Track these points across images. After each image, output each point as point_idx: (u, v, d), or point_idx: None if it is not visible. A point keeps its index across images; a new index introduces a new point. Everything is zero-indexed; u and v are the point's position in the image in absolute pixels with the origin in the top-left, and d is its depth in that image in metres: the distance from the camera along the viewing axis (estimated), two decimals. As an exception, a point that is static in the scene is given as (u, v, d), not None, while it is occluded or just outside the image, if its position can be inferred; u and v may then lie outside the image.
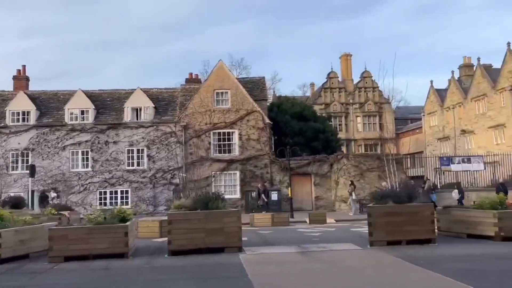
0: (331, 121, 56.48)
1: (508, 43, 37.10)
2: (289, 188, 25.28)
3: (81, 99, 29.31)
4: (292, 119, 33.12)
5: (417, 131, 54.91)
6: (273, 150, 29.80)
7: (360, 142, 56.79)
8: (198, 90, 29.38)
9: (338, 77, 57.19)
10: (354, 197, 24.60)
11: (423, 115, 51.75)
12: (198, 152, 28.37)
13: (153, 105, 29.49)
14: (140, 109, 29.47)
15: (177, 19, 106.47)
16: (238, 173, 28.43)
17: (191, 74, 34.12)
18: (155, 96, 30.72)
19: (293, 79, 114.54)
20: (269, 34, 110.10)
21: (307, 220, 20.07)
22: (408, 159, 45.66)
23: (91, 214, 10.88)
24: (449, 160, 28.40)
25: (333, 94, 56.93)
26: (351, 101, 56.90)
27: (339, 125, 56.66)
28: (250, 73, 57.86)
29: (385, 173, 27.71)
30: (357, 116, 57.25)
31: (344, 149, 55.91)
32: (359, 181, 27.16)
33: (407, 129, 59.37)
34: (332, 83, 56.99)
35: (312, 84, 67.73)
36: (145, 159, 28.58)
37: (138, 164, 28.66)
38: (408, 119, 63.29)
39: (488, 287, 6.82)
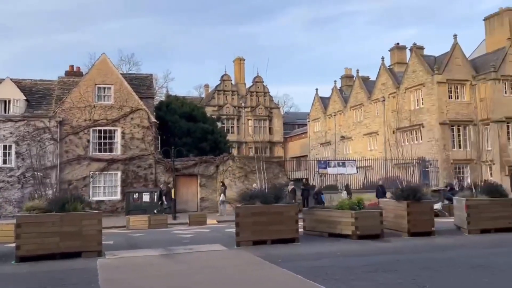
0: (224, 123, 57.20)
1: (382, 58, 40.86)
2: (173, 190, 24.74)
3: None
4: (181, 119, 32.59)
5: (303, 136, 57.81)
6: (159, 150, 28.96)
7: (251, 144, 58.08)
8: (77, 84, 27.42)
9: (231, 80, 57.90)
10: (222, 198, 24.93)
11: (308, 121, 54.64)
12: (75, 150, 26.45)
13: (25, 98, 26.85)
14: (9, 101, 26.63)
15: (69, 8, 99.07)
16: (119, 173, 27.08)
17: (72, 66, 31.78)
18: (28, 88, 28.02)
19: (190, 80, 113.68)
20: (167, 34, 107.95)
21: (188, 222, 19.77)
22: (294, 162, 47.75)
23: None
24: (326, 163, 30.27)
25: (226, 96, 57.48)
26: (243, 104, 57.95)
27: (231, 127, 57.43)
28: (140, 69, 55.98)
29: (268, 175, 28.87)
30: (248, 120, 58.46)
31: (235, 151, 56.83)
32: (243, 182, 27.58)
33: (294, 133, 62.18)
34: (226, 85, 57.53)
35: (207, 86, 67.76)
36: (13, 156, 25.87)
37: (4, 162, 25.83)
38: (296, 124, 66.37)
39: (332, 283, 7.19)
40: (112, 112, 27.26)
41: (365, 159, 33.79)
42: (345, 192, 25.51)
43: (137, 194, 25.98)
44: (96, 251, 9.90)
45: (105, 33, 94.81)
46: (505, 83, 33.31)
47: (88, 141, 26.78)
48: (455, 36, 34.82)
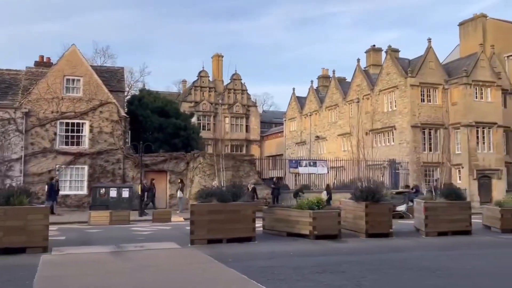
0: (200, 119, 56.75)
1: (358, 59, 41.10)
2: (140, 186, 24.31)
3: None
4: (153, 114, 32.09)
5: (279, 135, 57.82)
6: (129, 145, 28.46)
7: (227, 142, 57.76)
8: (45, 75, 26.68)
9: (209, 76, 57.49)
10: (180, 194, 24.66)
11: (285, 120, 54.66)
12: (41, 143, 25.74)
13: (-11, 87, 26.02)
14: (-28, 90, 25.77)
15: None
16: (86, 167, 26.48)
17: (41, 57, 30.89)
18: (-6, 77, 27.16)
19: (172, 75, 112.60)
20: (149, 28, 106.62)
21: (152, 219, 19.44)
22: (270, 161, 47.67)
23: None
24: (297, 163, 30.27)
25: (203, 93, 57.05)
26: (220, 101, 57.59)
27: (208, 124, 57.04)
28: (116, 63, 55.02)
29: (238, 173, 28.71)
30: (225, 117, 58.15)
31: (211, 148, 56.44)
32: (213, 179, 27.32)
33: (271, 132, 62.16)
34: (203, 82, 57.09)
35: (184, 81, 67.10)
36: (-25, 147, 25.01)
37: (-34, 153, 24.96)
38: (273, 123, 66.36)
39: (275, 284, 7.06)
40: (81, 105, 26.63)
41: (338, 160, 33.96)
42: (324, 192, 25.62)
43: (103, 189, 25.46)
44: (42, 247, 9.56)
45: (85, 25, 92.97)
46: (476, 88, 33.87)
47: (55, 133, 26.11)
48: (429, 40, 35.27)
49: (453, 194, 13.38)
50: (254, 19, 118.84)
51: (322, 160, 32.18)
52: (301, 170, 29.64)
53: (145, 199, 23.97)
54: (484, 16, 39.88)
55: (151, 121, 31.60)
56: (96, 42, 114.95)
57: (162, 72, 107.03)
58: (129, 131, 29.08)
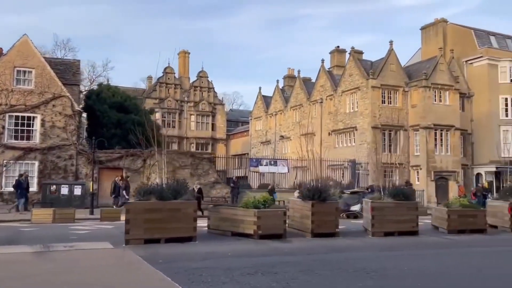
0: (165, 117, 55.75)
1: (322, 60, 41.24)
2: (91, 183, 23.44)
3: None
4: (111, 109, 31.11)
5: (245, 133, 57.50)
6: (83, 140, 27.51)
7: (192, 140, 57.03)
8: (-6, 65, 25.39)
9: (174, 73, 56.53)
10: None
11: (251, 119, 54.39)
12: (-13, 137, 24.49)
13: None
14: None
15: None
16: (37, 163, 25.36)
17: (-7, 47, 29.42)
18: None
19: (141, 72, 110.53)
20: (120, 23, 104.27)
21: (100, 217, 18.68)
22: (236, 160, 47.29)
23: None
24: (258, 161, 30.02)
25: (168, 89, 56.06)
26: (186, 98, 56.76)
27: (173, 121, 56.10)
28: (77, 56, 53.33)
29: (197, 171, 28.18)
30: (191, 115, 57.35)
31: (176, 146, 55.54)
32: (170, 177, 26.70)
33: (237, 131, 61.77)
34: (168, 78, 56.08)
35: (150, 77, 65.73)
36: None
37: None
38: (239, 122, 65.99)
39: (198, 286, 6.67)
40: (32, 98, 25.48)
41: (301, 159, 33.91)
42: (298, 191, 25.32)
43: (54, 186, 24.44)
44: (-43, 246, 8.83)
45: (53, 19, 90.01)
46: (435, 91, 34.50)
47: (3, 127, 24.88)
48: (391, 42, 35.71)
49: (401, 194, 13.33)
50: (227, 18, 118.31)
51: (283, 159, 32.03)
52: (261, 169, 29.40)
53: (125, 196, 22.97)
54: (445, 21, 40.78)
55: (108, 116, 30.63)
56: (57, 35, 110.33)
57: (132, 68, 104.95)
58: (86, 127, 28.14)
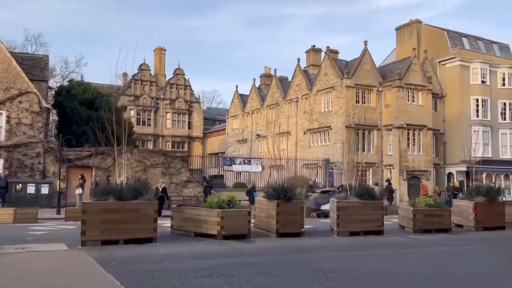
0: (140, 115, 54.93)
1: (298, 59, 41.25)
2: (58, 181, 22.81)
3: None
4: (82, 106, 30.38)
5: (222, 132, 57.17)
6: (52, 137, 26.81)
7: (168, 138, 56.38)
8: (-44, 60, 24.48)
9: (150, 70, 55.76)
10: (79, 191, 23.40)
11: (227, 118, 54.10)
12: (-51, 134, 23.59)
13: None
14: None
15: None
16: (1, 161, 24.53)
17: (-44, 40, 28.34)
18: None
19: (120, 69, 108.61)
20: (98, 19, 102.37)
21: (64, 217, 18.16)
22: (213, 159, 46.95)
23: None
24: (231, 160, 29.79)
25: (143, 87, 55.26)
26: (162, 96, 56.07)
27: (148, 119, 55.35)
28: (49, 51, 52.07)
29: (169, 170, 27.78)
30: (167, 112, 56.67)
31: (151, 144, 54.79)
32: (141, 176, 26.20)
33: (214, 129, 61.35)
34: (144, 75, 55.28)
35: (125, 74, 64.65)
36: None
37: None
38: (217, 120, 65.53)
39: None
40: (-3, 94, 24.66)
41: (277, 158, 33.86)
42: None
43: (20, 184, 23.76)
44: None
45: (24, 11, 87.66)
46: (408, 91, 34.86)
47: (-34, 124, 24.03)
48: (365, 42, 35.91)
49: (366, 193, 13.31)
50: (210, 16, 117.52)
51: (257, 158, 31.91)
52: (235, 168, 29.20)
53: None
54: (419, 22, 41.26)
55: (78, 113, 29.91)
56: (27, 29, 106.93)
57: (110, 66, 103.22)
58: (56, 124, 27.40)
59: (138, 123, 54.93)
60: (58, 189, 22.60)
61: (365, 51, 35.73)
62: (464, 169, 36.92)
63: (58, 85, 46.49)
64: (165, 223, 13.96)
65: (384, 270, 8.39)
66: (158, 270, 7.87)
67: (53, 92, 34.41)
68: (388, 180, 30.19)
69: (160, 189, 20.61)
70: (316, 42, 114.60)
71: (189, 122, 57.58)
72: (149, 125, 55.24)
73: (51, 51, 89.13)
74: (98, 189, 10.74)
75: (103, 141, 28.94)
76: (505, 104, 38.90)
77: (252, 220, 13.54)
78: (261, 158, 31.28)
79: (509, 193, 36.15)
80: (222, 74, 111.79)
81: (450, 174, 38.19)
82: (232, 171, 29.88)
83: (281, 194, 12.19)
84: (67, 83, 46.76)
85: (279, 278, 7.54)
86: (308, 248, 10.76)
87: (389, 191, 27.92)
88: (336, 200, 13.25)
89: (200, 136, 58.94)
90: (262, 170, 30.36)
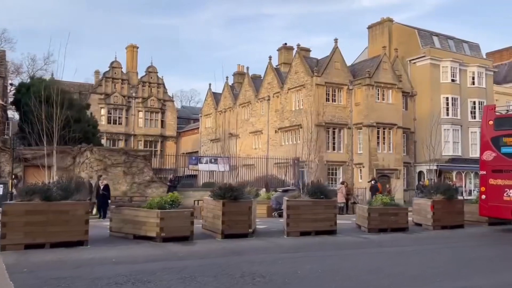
0: (111, 113, 53.72)
1: (270, 57, 40.74)
2: (11, 182, 21.80)
3: None
4: (41, 104, 29.26)
5: (196, 131, 56.31)
6: (9, 136, 25.68)
7: (141, 137, 55.32)
8: None
9: (121, 68, 54.58)
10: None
11: (201, 116, 53.33)
12: None
13: None
14: None
15: None
16: (-48, 160, 23.40)
17: None
18: None
19: (96, 67, 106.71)
20: (76, 17, 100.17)
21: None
22: (186, 158, 46.11)
23: None
24: (197, 159, 29.12)
25: (115, 85, 54.07)
26: (134, 94, 54.98)
27: (119, 118, 54.18)
28: (15, 48, 50.44)
29: (131, 169, 26.92)
30: (139, 111, 55.61)
31: (123, 144, 53.56)
32: (101, 176, 25.33)
33: (188, 128, 60.43)
34: (115, 73, 54.12)
35: (97, 72, 63.16)
36: None
37: None
38: (191, 119, 64.56)
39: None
40: None
41: (249, 157, 33.42)
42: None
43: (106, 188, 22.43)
44: None
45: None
46: (378, 90, 34.70)
47: None
48: (335, 40, 35.64)
49: (319, 192, 12.82)
50: (190, 15, 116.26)
51: (224, 157, 31.10)
52: (201, 167, 28.53)
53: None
54: (390, 20, 41.27)
55: (38, 111, 28.75)
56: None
57: (87, 63, 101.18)
58: (18, 122, 26.30)
59: (109, 122, 53.79)
60: (10, 189, 21.61)
61: (335, 49, 35.45)
62: (434, 167, 36.98)
63: (9, 80, 45.05)
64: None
65: (317, 274, 7.89)
66: (70, 277, 7.20)
67: (12, 89, 33.17)
68: (374, 179, 29.96)
69: (102, 187, 19.24)
70: (296, 41, 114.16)
71: (162, 121, 56.63)
72: (121, 123, 54.10)
73: (19, 48, 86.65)
74: (23, 189, 9.97)
75: (63, 140, 27.94)
76: (474, 102, 39.18)
77: (200, 221, 12.99)
78: (228, 157, 30.59)
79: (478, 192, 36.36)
80: (200, 74, 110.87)
81: (420, 172, 38.23)
82: (198, 170, 29.16)
83: (227, 193, 11.60)
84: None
85: (201, 284, 6.96)
86: (249, 250, 10.20)
87: (375, 190, 27.58)
88: (287, 199, 12.73)
89: (174, 135, 58.00)
90: (230, 170, 29.69)
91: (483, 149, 15.47)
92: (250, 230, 11.90)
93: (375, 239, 12.38)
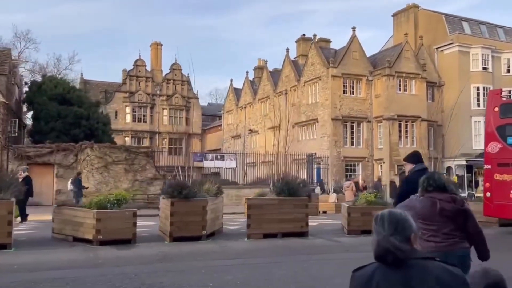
0: (135, 111, 53.94)
1: (287, 49, 39.27)
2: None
3: None
4: (51, 102, 29.42)
5: (219, 128, 55.65)
6: (13, 134, 25.87)
7: (165, 135, 55.24)
8: None
9: (145, 65, 54.68)
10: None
11: (223, 113, 52.54)
12: None
13: None
14: None
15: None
16: (-43, 158, 23.69)
17: None
18: None
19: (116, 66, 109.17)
20: (118, 18, 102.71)
21: None
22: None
23: None
24: (202, 156, 28.18)
25: (139, 83, 54.20)
26: (158, 92, 54.92)
27: (144, 116, 54.31)
28: (39, 48, 51.54)
29: (133, 167, 26.34)
30: (163, 109, 55.52)
31: (147, 142, 53.72)
32: (102, 174, 24.93)
33: (212, 125, 59.89)
34: (139, 71, 54.25)
35: (124, 71, 63.81)
36: None
37: None
38: (217, 116, 64.02)
39: None
40: (-49, 89, 23.77)
41: (268, 154, 32.22)
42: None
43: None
44: None
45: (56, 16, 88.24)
46: (399, 80, 32.45)
47: None
48: (353, 29, 33.65)
49: (286, 189, 11.42)
50: (229, 15, 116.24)
51: (231, 153, 30.19)
52: (206, 163, 27.54)
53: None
54: (416, 6, 38.68)
55: (47, 109, 28.97)
56: (16, 26, 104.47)
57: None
58: (16, 119, 26.47)
59: (133, 120, 54.03)
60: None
61: (352, 38, 33.48)
62: (464, 162, 34.29)
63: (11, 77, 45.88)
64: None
65: (233, 285, 6.60)
66: None
67: (25, 87, 33.67)
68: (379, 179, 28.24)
69: (21, 180, 13.78)
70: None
71: (186, 118, 56.31)
72: (145, 122, 54.21)
73: (43, 49, 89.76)
74: None
75: (79, 138, 27.39)
76: (510, 92, 35.88)
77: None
78: (235, 153, 29.56)
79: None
80: (236, 72, 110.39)
81: (449, 168, 35.55)
82: (203, 167, 28.24)
83: (176, 191, 10.47)
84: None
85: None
86: (185, 256, 9.00)
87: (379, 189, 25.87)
88: (247, 197, 11.44)
89: (199, 132, 57.52)
90: (236, 166, 28.63)
91: (487, 140, 13.55)
92: (204, 233, 10.69)
93: (346, 243, 10.84)
